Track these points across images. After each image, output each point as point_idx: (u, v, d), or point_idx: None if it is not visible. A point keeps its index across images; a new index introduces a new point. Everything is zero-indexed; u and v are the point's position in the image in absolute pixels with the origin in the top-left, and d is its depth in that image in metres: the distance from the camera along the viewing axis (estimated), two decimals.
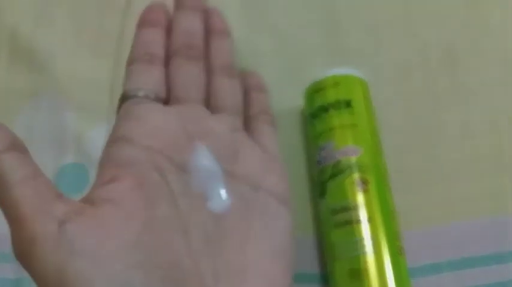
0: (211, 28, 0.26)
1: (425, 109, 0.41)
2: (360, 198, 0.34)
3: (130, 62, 0.23)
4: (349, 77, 0.38)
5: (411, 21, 0.44)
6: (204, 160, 0.21)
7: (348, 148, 0.35)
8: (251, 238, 0.21)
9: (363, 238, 0.32)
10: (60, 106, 0.42)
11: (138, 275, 0.17)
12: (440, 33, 0.44)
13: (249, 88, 0.27)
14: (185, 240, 0.20)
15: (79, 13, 0.46)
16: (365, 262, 0.32)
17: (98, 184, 0.21)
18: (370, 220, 0.33)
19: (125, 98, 0.23)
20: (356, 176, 0.34)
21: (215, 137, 0.22)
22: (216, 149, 0.22)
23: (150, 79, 0.23)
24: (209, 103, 0.24)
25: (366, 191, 0.34)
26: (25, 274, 0.35)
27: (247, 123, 0.26)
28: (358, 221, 0.33)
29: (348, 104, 0.36)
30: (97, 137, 0.40)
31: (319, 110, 0.37)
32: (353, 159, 0.35)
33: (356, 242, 0.32)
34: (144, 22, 0.25)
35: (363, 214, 0.33)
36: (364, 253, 0.32)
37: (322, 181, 0.35)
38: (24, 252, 0.17)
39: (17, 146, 0.19)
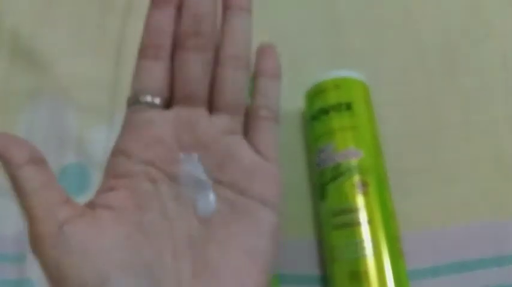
0: (228, 3, 0.25)
1: (425, 112, 0.41)
2: (360, 200, 0.34)
3: (139, 52, 0.25)
4: (349, 79, 0.38)
5: (411, 24, 0.44)
6: (193, 170, 0.23)
7: (348, 151, 0.35)
8: (232, 240, 0.23)
9: (363, 240, 0.33)
10: (61, 106, 0.42)
11: (118, 269, 0.21)
12: (440, 36, 0.44)
13: (260, 73, 0.26)
14: (169, 242, 0.23)
15: (80, 13, 0.47)
16: (365, 264, 0.32)
17: (100, 191, 0.24)
18: (370, 222, 0.33)
19: (130, 103, 0.25)
20: (356, 178, 0.34)
21: (207, 146, 0.24)
22: (206, 157, 0.24)
23: (155, 80, 0.24)
24: (212, 99, 0.25)
25: (366, 194, 0.34)
26: (25, 275, 0.36)
27: (249, 117, 0.26)
28: (358, 224, 0.33)
29: (349, 106, 0.36)
30: (98, 136, 0.41)
31: (320, 112, 0.37)
32: (353, 161, 0.35)
33: (356, 244, 0.33)
34: (156, 1, 0.25)
35: (362, 216, 0.33)
36: (364, 255, 0.32)
37: (323, 183, 0.36)
38: (34, 247, 0.21)
39: (35, 159, 0.22)
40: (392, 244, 0.33)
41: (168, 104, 0.25)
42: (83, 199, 0.38)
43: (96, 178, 0.39)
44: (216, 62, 0.25)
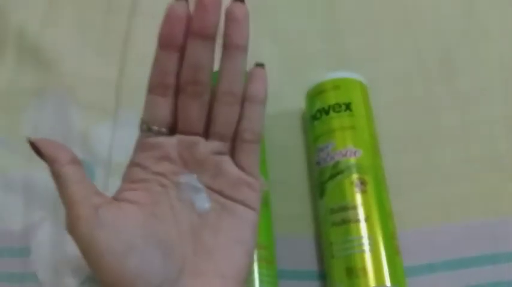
0: (227, 40, 0.29)
1: (422, 113, 0.42)
2: (358, 198, 0.34)
3: (150, 87, 0.30)
4: (349, 80, 0.39)
5: (410, 27, 0.45)
6: (191, 181, 0.30)
7: (348, 150, 0.36)
8: (222, 230, 0.29)
9: (361, 237, 0.33)
10: (66, 104, 0.43)
11: (140, 241, 0.27)
12: (439, 39, 0.45)
13: (247, 97, 0.30)
14: (175, 228, 0.29)
15: (85, 13, 0.47)
16: (362, 261, 0.33)
17: (120, 191, 0.29)
18: (368, 219, 0.34)
19: (142, 129, 0.30)
20: (355, 177, 0.35)
21: (202, 163, 0.30)
22: (201, 171, 0.30)
23: (163, 114, 0.30)
24: (207, 127, 0.30)
25: (364, 192, 0.35)
26: (30, 269, 0.37)
27: (235, 138, 0.31)
28: (356, 221, 0.34)
29: (348, 106, 0.37)
30: (102, 134, 0.42)
31: (320, 112, 0.38)
32: (352, 160, 0.36)
33: (353, 241, 0.33)
34: (163, 43, 0.29)
35: (360, 214, 0.34)
36: (361, 252, 0.33)
37: (322, 181, 0.36)
38: (71, 225, 0.26)
39: (74, 160, 0.28)
40: (389, 241, 0.34)
41: (171, 130, 0.30)
42: None
43: (100, 175, 0.40)
44: (213, 95, 0.30)
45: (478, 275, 0.36)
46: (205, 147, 0.30)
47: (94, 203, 0.27)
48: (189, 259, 0.28)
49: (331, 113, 0.37)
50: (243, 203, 0.30)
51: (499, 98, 0.42)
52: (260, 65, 0.31)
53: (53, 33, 0.46)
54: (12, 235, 0.39)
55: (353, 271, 0.33)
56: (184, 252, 0.28)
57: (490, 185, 0.39)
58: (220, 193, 0.30)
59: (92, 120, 0.42)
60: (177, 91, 0.30)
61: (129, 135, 0.41)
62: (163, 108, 0.30)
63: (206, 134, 0.30)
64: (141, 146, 0.30)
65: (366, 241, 0.33)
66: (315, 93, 0.39)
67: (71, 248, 0.37)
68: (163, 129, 0.30)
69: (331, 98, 0.38)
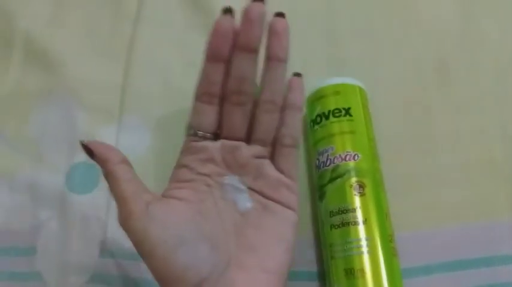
0: (269, 53, 0.31)
1: (419, 118, 0.43)
2: (357, 201, 0.35)
3: (197, 95, 0.32)
4: (348, 85, 0.39)
5: (408, 34, 0.46)
6: (234, 182, 0.32)
7: (347, 153, 0.37)
8: (264, 228, 0.31)
9: (359, 239, 0.34)
10: (72, 107, 0.44)
11: (189, 235, 0.28)
12: (436, 46, 0.45)
13: (286, 105, 0.33)
14: (220, 224, 0.31)
15: (91, 17, 0.48)
16: (361, 262, 0.33)
17: (168, 190, 0.31)
18: (366, 222, 0.35)
19: (189, 133, 0.32)
20: (354, 180, 0.36)
21: (244, 167, 0.32)
22: (243, 173, 0.32)
23: (208, 120, 0.32)
24: (249, 133, 0.33)
25: (362, 195, 0.35)
26: (35, 268, 0.38)
27: (275, 141, 0.33)
28: (354, 223, 0.35)
29: (348, 111, 0.38)
30: (107, 137, 0.42)
31: (320, 117, 0.39)
32: (351, 164, 0.36)
33: (352, 243, 0.34)
34: (210, 56, 0.31)
35: (359, 216, 0.35)
36: (360, 254, 0.34)
37: (321, 184, 0.37)
38: (124, 220, 0.28)
39: (124, 160, 0.30)
40: (387, 243, 0.34)
41: (216, 135, 0.33)
42: (92, 196, 0.40)
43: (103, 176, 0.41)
44: (256, 103, 0.32)
45: (474, 277, 0.36)
46: (247, 151, 0.32)
47: (145, 200, 0.28)
48: (233, 254, 0.30)
49: (331, 118, 0.38)
50: (282, 204, 0.32)
51: (494, 104, 0.43)
52: (297, 75, 0.34)
53: (59, 37, 0.47)
54: (18, 234, 0.39)
55: (352, 272, 0.33)
56: (229, 247, 0.30)
57: (485, 189, 0.40)
58: (261, 194, 0.32)
59: (97, 124, 0.43)
60: (222, 99, 0.32)
61: (132, 138, 0.42)
62: (209, 116, 0.32)
63: (248, 139, 0.33)
64: (187, 150, 0.32)
65: (364, 243, 0.34)
66: (316, 98, 0.40)
67: (76, 247, 0.38)
68: (209, 135, 0.32)
69: (331, 103, 0.39)
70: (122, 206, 0.28)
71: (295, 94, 0.33)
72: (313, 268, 0.38)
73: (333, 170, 0.37)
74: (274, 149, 0.33)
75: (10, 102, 0.45)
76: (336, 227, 0.35)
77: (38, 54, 0.46)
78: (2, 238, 0.39)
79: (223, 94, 0.32)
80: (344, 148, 0.37)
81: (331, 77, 0.40)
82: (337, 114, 0.38)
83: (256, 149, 0.32)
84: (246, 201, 0.32)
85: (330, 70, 0.45)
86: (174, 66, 0.46)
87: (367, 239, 0.34)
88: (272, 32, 0.31)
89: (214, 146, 0.32)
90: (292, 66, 0.45)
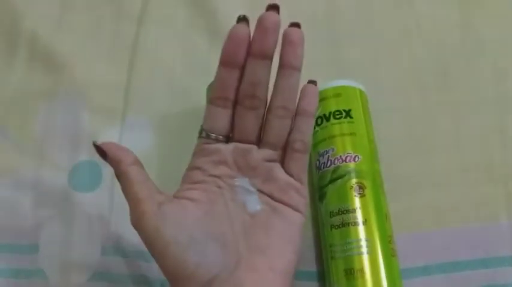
0: (284, 61, 0.32)
1: (418, 120, 0.43)
2: (357, 202, 0.36)
3: (211, 99, 0.32)
4: (349, 88, 0.40)
5: (408, 37, 0.46)
6: (244, 184, 0.32)
7: (347, 155, 0.37)
8: (273, 230, 0.31)
9: (359, 240, 0.34)
10: (76, 107, 0.44)
11: (199, 234, 0.29)
12: (435, 50, 0.46)
13: (299, 111, 0.33)
14: (230, 225, 0.31)
15: (96, 19, 0.49)
16: (360, 262, 0.34)
17: (181, 191, 0.32)
18: (366, 222, 0.35)
19: (201, 135, 0.33)
20: (354, 181, 0.36)
21: (254, 169, 0.33)
22: (253, 176, 0.33)
23: (221, 123, 0.32)
24: (261, 137, 0.33)
25: (362, 196, 0.36)
26: (38, 266, 0.38)
27: (286, 146, 0.33)
28: (354, 224, 0.35)
29: (348, 113, 0.38)
30: (111, 136, 0.43)
31: (321, 118, 0.39)
32: (351, 165, 0.37)
33: (352, 243, 0.34)
34: (225, 61, 0.31)
35: (359, 217, 0.35)
36: (359, 254, 0.34)
37: (322, 185, 0.38)
38: (137, 220, 0.28)
39: (136, 161, 0.30)
40: (386, 244, 0.35)
41: (228, 138, 0.33)
42: (95, 194, 0.40)
43: (107, 175, 0.41)
44: (268, 107, 0.33)
45: (472, 278, 0.37)
46: (258, 154, 0.33)
47: (157, 200, 0.29)
48: (243, 255, 0.30)
49: (332, 120, 0.38)
50: (291, 206, 0.32)
51: (492, 108, 0.43)
52: (312, 82, 0.34)
53: (64, 37, 0.47)
54: (21, 232, 0.40)
55: (351, 273, 0.34)
56: (239, 248, 0.30)
57: (484, 191, 0.40)
58: (271, 196, 0.32)
59: (101, 124, 0.44)
60: (235, 103, 0.32)
61: (136, 138, 0.43)
62: (222, 119, 0.32)
63: (259, 142, 0.33)
64: (200, 152, 0.33)
65: (364, 243, 0.34)
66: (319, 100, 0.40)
67: (79, 245, 0.39)
68: (221, 137, 0.32)
69: (332, 105, 0.39)
70: (134, 207, 0.29)
71: (308, 101, 0.33)
72: (313, 267, 0.38)
73: (334, 171, 0.37)
74: (284, 153, 0.33)
75: (15, 101, 0.45)
76: (336, 227, 0.35)
77: (43, 55, 0.47)
78: (5, 235, 0.40)
79: (237, 98, 0.32)
80: (344, 149, 0.37)
81: (331, 80, 0.40)
82: (337, 116, 0.38)
83: (267, 152, 0.33)
84: (255, 203, 0.32)
85: (330, 72, 0.45)
86: (177, 66, 0.46)
87: (367, 240, 0.34)
88: (287, 41, 0.31)
89: (227, 149, 0.32)
90: None
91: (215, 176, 0.32)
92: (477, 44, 0.46)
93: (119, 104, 0.44)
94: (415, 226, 0.39)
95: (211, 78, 0.41)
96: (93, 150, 0.42)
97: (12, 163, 0.42)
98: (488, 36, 0.46)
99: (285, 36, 0.31)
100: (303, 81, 0.44)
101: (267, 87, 0.32)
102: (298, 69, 0.32)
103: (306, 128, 0.33)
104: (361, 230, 0.35)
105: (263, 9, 0.31)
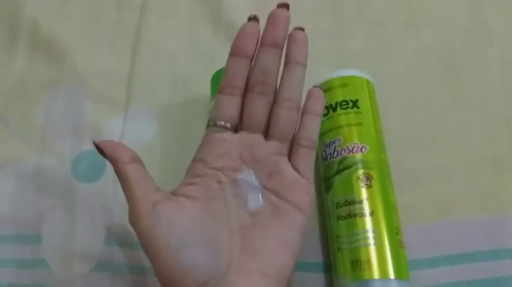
0: (289, 57, 0.32)
1: (425, 111, 0.43)
2: (364, 193, 0.35)
3: (220, 89, 0.32)
4: (356, 78, 0.39)
5: (415, 27, 0.46)
6: (248, 178, 0.31)
7: (354, 145, 0.37)
8: (271, 230, 0.30)
9: (366, 231, 0.34)
10: (78, 96, 0.44)
11: (192, 237, 0.28)
12: (442, 40, 0.45)
13: (305, 110, 0.33)
14: (227, 225, 0.30)
15: (97, 7, 0.48)
16: (367, 254, 0.33)
17: (181, 185, 0.31)
18: (373, 214, 0.35)
19: (210, 124, 0.32)
20: (361, 172, 0.36)
21: (260, 162, 0.32)
22: (258, 170, 0.32)
23: (229, 111, 0.32)
24: (268, 129, 0.33)
25: (369, 187, 0.35)
26: (40, 256, 0.38)
27: (293, 143, 0.33)
28: (361, 215, 0.35)
29: (355, 103, 0.38)
30: (114, 126, 0.42)
31: (327, 108, 0.39)
32: (358, 156, 0.36)
33: (359, 235, 0.34)
34: (235, 51, 0.32)
35: (366, 208, 0.35)
36: (366, 245, 0.34)
37: (328, 176, 0.37)
38: (133, 220, 0.28)
39: (134, 159, 0.30)
40: (394, 235, 0.34)
41: (236, 129, 0.33)
42: (98, 184, 0.40)
43: (109, 165, 0.41)
44: (275, 101, 0.33)
45: (480, 270, 0.36)
46: (265, 147, 0.32)
47: (153, 200, 0.29)
48: (236, 257, 0.29)
49: (339, 110, 0.38)
50: (295, 205, 0.31)
51: (500, 99, 0.43)
52: (318, 87, 0.34)
53: (66, 26, 0.47)
54: (24, 222, 0.39)
55: (358, 264, 0.33)
56: (232, 250, 0.29)
57: (491, 182, 0.40)
58: (275, 193, 0.31)
59: (103, 113, 0.43)
60: (244, 94, 0.32)
61: (139, 127, 0.43)
62: (230, 107, 0.32)
63: (266, 136, 0.33)
64: (205, 142, 0.32)
65: (371, 235, 0.34)
66: (323, 90, 0.39)
67: (81, 235, 0.38)
68: (229, 125, 0.32)
69: (339, 95, 0.39)
70: (131, 207, 0.29)
71: (314, 101, 0.33)
72: (319, 259, 0.38)
73: (340, 161, 0.37)
74: (291, 150, 0.33)
75: (16, 91, 0.45)
76: (343, 218, 0.35)
77: (45, 44, 0.46)
78: (8, 226, 0.39)
79: (246, 88, 0.32)
80: (351, 139, 0.37)
81: (338, 69, 0.40)
82: (344, 106, 0.38)
83: (274, 144, 0.32)
84: (258, 199, 0.31)
85: (336, 63, 0.45)
86: (179, 55, 0.46)
87: (373, 231, 0.34)
88: (292, 41, 0.32)
89: (233, 139, 0.32)
90: None
91: (217, 169, 0.31)
92: (485, 35, 0.45)
93: (122, 93, 0.44)
94: (422, 217, 0.38)
95: (215, 68, 0.41)
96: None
97: (14, 152, 0.42)
98: (496, 27, 0.46)
99: (291, 37, 0.32)
100: (309, 73, 0.44)
101: (277, 77, 0.32)
102: (304, 65, 0.33)
103: (312, 126, 0.33)
104: (368, 221, 0.34)
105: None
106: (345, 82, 0.39)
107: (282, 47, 0.32)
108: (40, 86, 0.45)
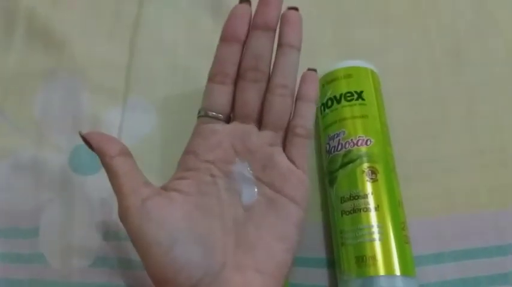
0: (282, 40, 0.31)
1: (430, 103, 0.42)
2: (369, 187, 0.34)
3: (210, 77, 0.31)
4: (361, 68, 0.38)
5: (420, 17, 0.45)
6: (242, 170, 0.30)
7: (359, 138, 0.36)
8: (266, 225, 0.29)
9: (371, 226, 0.33)
10: (76, 87, 0.43)
11: (183, 234, 0.27)
12: (448, 30, 0.45)
13: (299, 97, 0.32)
14: (220, 220, 0.29)
15: None
16: (372, 249, 0.33)
17: (173, 179, 0.30)
18: (378, 208, 0.34)
19: (201, 114, 0.31)
20: (366, 165, 0.35)
21: (254, 154, 0.31)
22: (252, 162, 0.30)
23: (220, 101, 0.31)
24: (261, 118, 0.31)
25: (374, 181, 0.35)
26: (38, 250, 0.37)
27: (287, 131, 0.32)
28: (366, 209, 0.34)
29: (360, 95, 0.37)
30: (112, 117, 0.42)
31: (331, 100, 0.38)
32: (363, 149, 0.36)
33: (364, 230, 0.33)
34: (226, 36, 0.31)
35: (371, 203, 0.34)
36: (371, 240, 0.33)
37: (332, 169, 0.36)
38: (122, 215, 0.28)
39: (123, 152, 0.29)
40: (399, 230, 0.34)
41: (228, 119, 0.32)
42: (96, 177, 0.39)
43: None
44: (268, 87, 0.31)
45: (487, 266, 0.36)
46: (258, 137, 0.31)
47: (142, 195, 0.28)
48: (231, 253, 0.28)
49: (343, 102, 0.37)
50: (290, 198, 0.30)
51: (506, 90, 0.42)
52: (313, 70, 0.33)
53: (63, 16, 0.46)
54: (21, 215, 0.39)
55: (363, 260, 0.33)
56: (227, 246, 0.28)
57: (497, 176, 0.39)
58: (270, 186, 0.30)
59: (102, 104, 0.42)
60: (236, 81, 0.31)
61: (138, 119, 0.42)
62: (221, 96, 0.31)
63: (260, 125, 0.32)
64: (197, 133, 0.31)
65: (376, 230, 0.33)
66: (327, 81, 0.39)
67: (79, 230, 0.38)
68: (220, 116, 0.31)
69: (343, 87, 0.38)
70: (119, 202, 0.28)
71: (308, 86, 0.32)
72: (323, 254, 0.37)
73: (345, 155, 0.36)
74: (285, 140, 0.32)
75: (13, 81, 0.44)
76: (347, 213, 0.34)
77: (42, 33, 0.45)
78: (4, 219, 0.39)
79: (238, 74, 0.31)
80: (356, 132, 0.36)
81: (342, 60, 0.39)
82: (349, 98, 0.37)
83: (267, 134, 0.31)
84: (252, 192, 0.30)
85: (340, 53, 0.44)
86: (179, 46, 0.45)
87: (379, 226, 0.33)
88: (285, 21, 0.31)
89: (225, 130, 0.31)
90: (303, 48, 0.44)
91: (209, 161, 0.30)
92: (490, 25, 0.45)
93: (120, 84, 0.43)
94: (427, 212, 0.38)
95: None
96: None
97: (10, 144, 0.41)
98: (501, 16, 0.45)
99: (283, 17, 0.31)
100: (312, 64, 0.43)
101: (270, 62, 0.31)
102: (298, 49, 0.32)
103: (307, 113, 0.32)
104: (373, 216, 0.34)
105: None
106: (349, 73, 0.38)
107: (275, 29, 0.31)
108: (38, 76, 0.44)
